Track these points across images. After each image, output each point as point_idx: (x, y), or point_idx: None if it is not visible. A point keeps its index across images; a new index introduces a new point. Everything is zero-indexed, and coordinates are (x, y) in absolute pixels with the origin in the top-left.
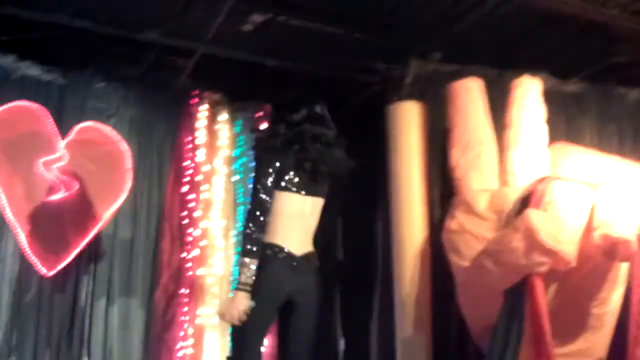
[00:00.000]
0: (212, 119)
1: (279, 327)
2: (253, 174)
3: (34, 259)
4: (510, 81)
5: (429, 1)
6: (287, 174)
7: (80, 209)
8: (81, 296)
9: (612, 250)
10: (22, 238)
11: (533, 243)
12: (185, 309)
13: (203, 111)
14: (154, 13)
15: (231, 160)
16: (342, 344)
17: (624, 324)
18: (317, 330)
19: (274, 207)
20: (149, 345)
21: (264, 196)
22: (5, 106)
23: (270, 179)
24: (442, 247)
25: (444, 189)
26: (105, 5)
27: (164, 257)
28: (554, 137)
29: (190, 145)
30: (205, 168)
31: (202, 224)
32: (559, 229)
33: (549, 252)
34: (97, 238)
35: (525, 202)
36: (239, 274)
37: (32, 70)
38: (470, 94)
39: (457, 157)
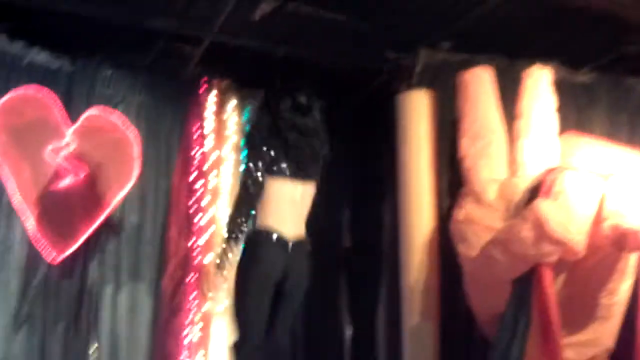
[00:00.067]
0: (221, 106)
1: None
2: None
3: (42, 244)
4: (521, 71)
5: None
6: (275, 161)
7: (88, 196)
8: (89, 282)
9: (621, 241)
10: (31, 224)
11: (542, 233)
12: (192, 295)
13: (211, 99)
14: (163, 1)
15: (239, 148)
16: (349, 331)
17: (633, 314)
18: (324, 317)
19: (265, 193)
20: (156, 332)
21: (251, 183)
22: (13, 92)
23: (259, 166)
24: (450, 237)
25: (452, 179)
26: None
27: (171, 245)
28: (565, 127)
29: (199, 133)
30: (213, 156)
31: (209, 212)
32: (569, 219)
33: (558, 242)
34: (105, 225)
35: (534, 192)
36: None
37: (40, 57)
38: (480, 84)
39: (467, 147)
